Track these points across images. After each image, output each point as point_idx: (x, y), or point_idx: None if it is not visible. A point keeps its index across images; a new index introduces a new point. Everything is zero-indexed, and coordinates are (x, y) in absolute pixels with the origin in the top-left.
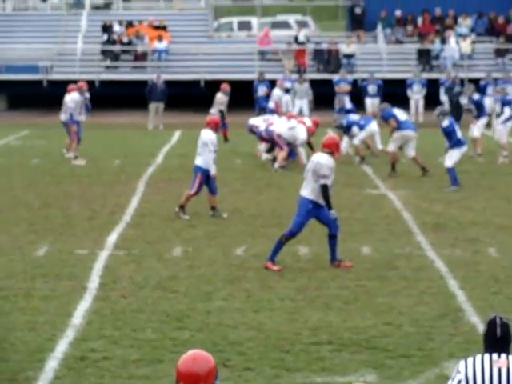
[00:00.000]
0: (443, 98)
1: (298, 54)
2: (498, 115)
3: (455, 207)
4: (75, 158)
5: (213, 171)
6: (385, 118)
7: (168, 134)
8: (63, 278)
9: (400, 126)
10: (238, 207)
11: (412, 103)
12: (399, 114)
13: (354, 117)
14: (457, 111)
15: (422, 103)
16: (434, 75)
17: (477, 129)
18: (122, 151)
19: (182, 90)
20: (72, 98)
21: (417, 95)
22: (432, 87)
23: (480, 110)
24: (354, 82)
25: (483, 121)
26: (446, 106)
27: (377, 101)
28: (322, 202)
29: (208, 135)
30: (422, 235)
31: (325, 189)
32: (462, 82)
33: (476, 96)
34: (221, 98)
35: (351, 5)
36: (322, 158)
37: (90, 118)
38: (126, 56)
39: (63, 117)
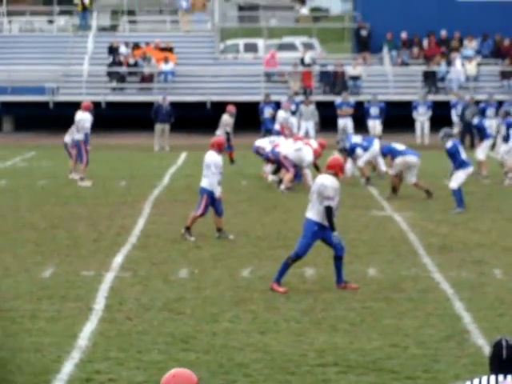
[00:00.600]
0: (455, 119)
1: (304, 76)
2: (505, 138)
3: (461, 229)
4: (81, 179)
5: (217, 193)
6: (384, 154)
7: (174, 155)
8: (69, 300)
9: (402, 153)
10: (243, 229)
11: (417, 125)
12: (398, 145)
13: (357, 139)
14: (470, 133)
15: (427, 125)
16: (440, 97)
17: (481, 151)
18: (128, 172)
19: (189, 112)
20: (87, 118)
21: (422, 117)
22: (438, 109)
23: (482, 132)
24: (360, 104)
25: (487, 143)
26: (458, 127)
27: (379, 123)
28: (327, 223)
29: (211, 157)
30: (427, 257)
31: (329, 210)
32: (477, 103)
33: (476, 120)
34: (227, 119)
35: (357, 27)
36: (326, 180)
37: (96, 140)
38: (133, 78)
39: (67, 138)
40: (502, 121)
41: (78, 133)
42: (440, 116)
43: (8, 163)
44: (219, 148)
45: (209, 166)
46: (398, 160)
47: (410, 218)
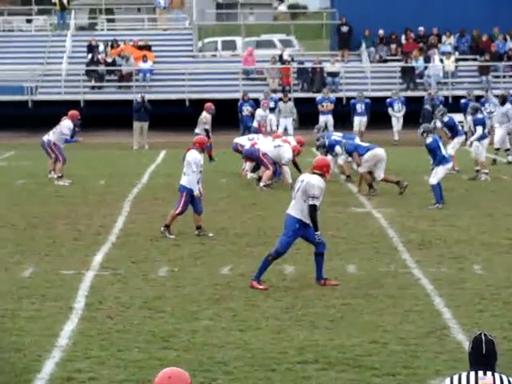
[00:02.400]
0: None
1: (283, 73)
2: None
3: (440, 225)
4: (59, 178)
5: (196, 191)
6: (349, 152)
7: (153, 153)
8: (49, 299)
9: (368, 148)
10: (223, 226)
11: (394, 121)
12: (361, 144)
13: (337, 135)
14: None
15: (401, 122)
16: (418, 93)
17: (451, 147)
18: (107, 171)
19: (168, 110)
20: (68, 126)
21: (398, 113)
22: (416, 105)
23: (453, 130)
24: (338, 101)
25: (458, 140)
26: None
27: (364, 119)
28: (309, 221)
29: (193, 155)
30: (407, 253)
31: (313, 209)
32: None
33: (446, 118)
34: (205, 117)
35: (339, 23)
36: (313, 179)
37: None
38: (111, 76)
39: (46, 138)
40: (471, 117)
41: (54, 134)
42: (418, 112)
43: None
44: (201, 147)
45: (190, 164)
46: (367, 155)
47: (389, 214)
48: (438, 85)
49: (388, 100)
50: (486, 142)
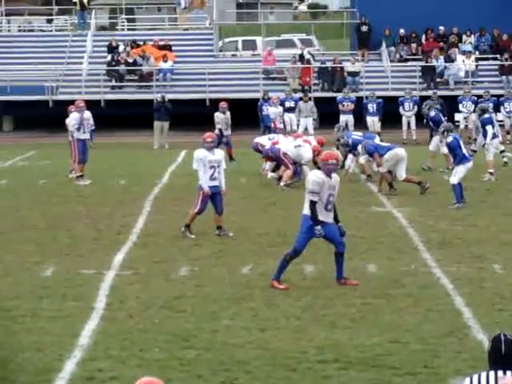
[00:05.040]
0: (459, 114)
1: (303, 73)
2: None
3: (460, 224)
4: (78, 177)
5: (205, 188)
6: (370, 153)
7: (174, 153)
8: (70, 299)
9: (389, 148)
10: (243, 226)
11: (404, 120)
12: (381, 143)
13: (358, 135)
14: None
15: (413, 121)
16: (439, 93)
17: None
18: (127, 171)
19: (188, 110)
20: (72, 117)
21: (408, 113)
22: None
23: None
24: (359, 100)
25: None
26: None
27: (376, 119)
28: (324, 219)
29: (194, 153)
30: (427, 252)
31: (312, 204)
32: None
33: (432, 113)
34: (217, 116)
35: (358, 23)
36: (310, 174)
37: (96, 138)
38: (132, 76)
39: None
40: (478, 118)
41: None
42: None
43: (8, 162)
44: (204, 143)
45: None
46: (388, 155)
47: (409, 213)
48: (458, 84)
49: (400, 99)
50: (495, 141)
